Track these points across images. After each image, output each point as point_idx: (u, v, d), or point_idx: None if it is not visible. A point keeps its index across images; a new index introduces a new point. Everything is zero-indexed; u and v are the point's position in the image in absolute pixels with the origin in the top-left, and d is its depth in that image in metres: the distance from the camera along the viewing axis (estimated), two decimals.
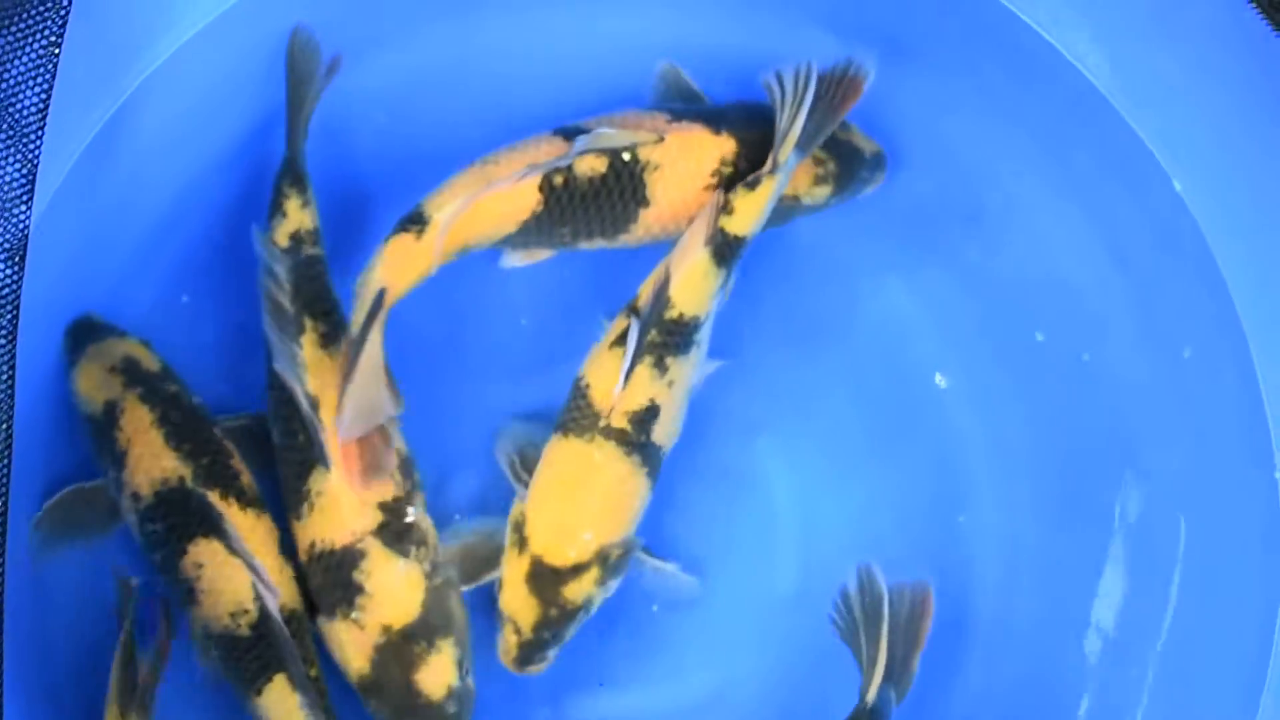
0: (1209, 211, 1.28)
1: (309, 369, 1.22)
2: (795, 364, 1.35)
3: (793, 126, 1.20)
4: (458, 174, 1.22)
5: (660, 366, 1.21)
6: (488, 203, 1.21)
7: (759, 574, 1.33)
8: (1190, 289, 1.30)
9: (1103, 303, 1.34)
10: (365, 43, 1.31)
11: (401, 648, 1.20)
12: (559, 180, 1.22)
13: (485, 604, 1.27)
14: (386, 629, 1.21)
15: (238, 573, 1.20)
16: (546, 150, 1.22)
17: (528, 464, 1.25)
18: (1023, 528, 1.34)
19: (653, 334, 1.21)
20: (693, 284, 1.21)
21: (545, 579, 1.22)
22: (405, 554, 1.22)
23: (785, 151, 1.21)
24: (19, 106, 1.12)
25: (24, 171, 1.13)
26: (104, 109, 1.23)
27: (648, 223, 1.25)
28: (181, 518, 1.21)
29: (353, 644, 1.21)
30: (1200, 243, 1.28)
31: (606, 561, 1.22)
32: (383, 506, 1.22)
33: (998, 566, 1.34)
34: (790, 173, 1.22)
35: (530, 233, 1.24)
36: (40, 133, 1.14)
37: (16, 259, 1.14)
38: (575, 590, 1.22)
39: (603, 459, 1.22)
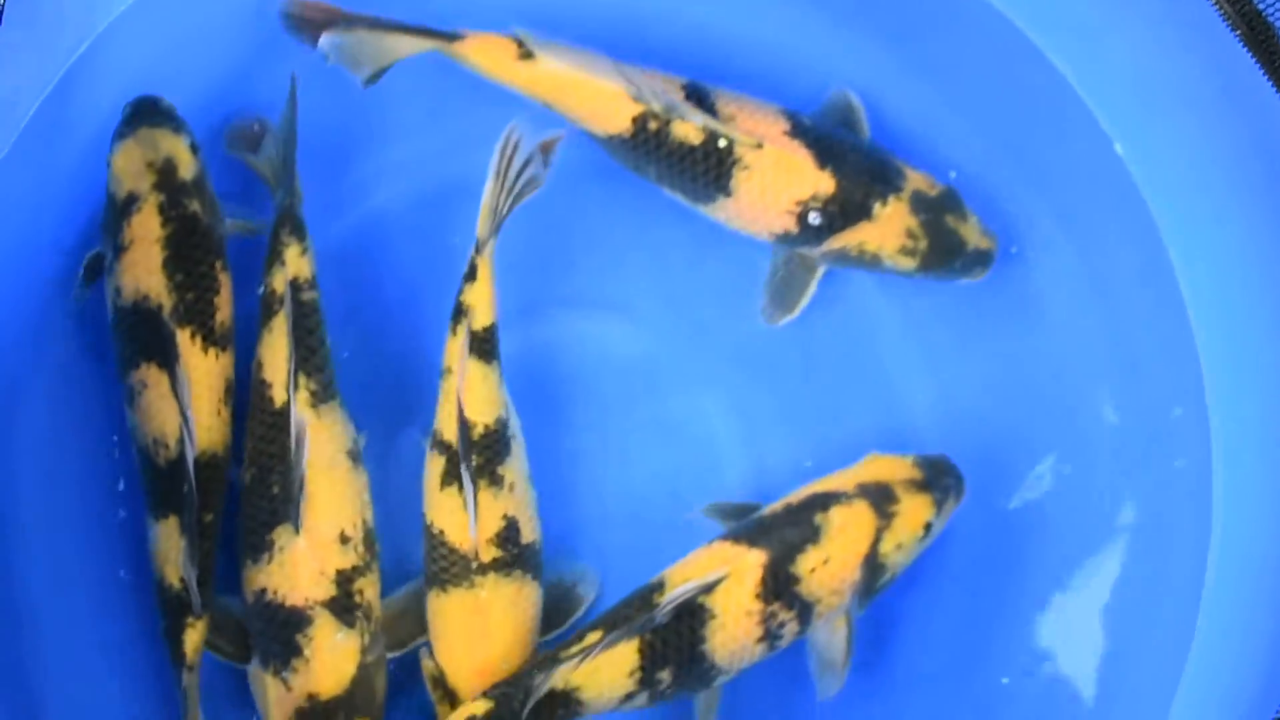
0: (1148, 173, 1.31)
1: (309, 443, 1.23)
2: (740, 319, 1.37)
3: (495, 203, 1.23)
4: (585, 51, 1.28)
5: (496, 482, 1.23)
6: (584, 91, 1.26)
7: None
8: (1129, 246, 1.33)
9: (1048, 260, 1.37)
10: None
11: (321, 717, 1.22)
12: (653, 125, 1.26)
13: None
14: (312, 696, 1.22)
15: (171, 411, 1.22)
16: (664, 87, 1.26)
17: None
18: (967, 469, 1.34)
19: (474, 459, 1.22)
20: (478, 394, 1.23)
21: None
22: (350, 625, 1.23)
23: (484, 229, 1.23)
24: None
25: None
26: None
27: (728, 210, 1.29)
28: (144, 337, 1.24)
29: (276, 701, 1.23)
30: (1139, 202, 1.31)
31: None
32: (339, 575, 1.23)
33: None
34: (492, 249, 1.24)
35: (616, 151, 1.29)
36: None
37: None
38: None
39: (490, 595, 1.22)
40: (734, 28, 1.36)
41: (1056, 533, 1.34)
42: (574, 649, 1.17)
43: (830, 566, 1.20)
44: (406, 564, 1.30)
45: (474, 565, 1.22)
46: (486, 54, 1.26)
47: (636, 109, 1.26)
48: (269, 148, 1.30)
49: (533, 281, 1.35)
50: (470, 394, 1.22)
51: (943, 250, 1.29)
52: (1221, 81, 1.25)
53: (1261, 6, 1.05)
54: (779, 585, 1.19)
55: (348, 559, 1.23)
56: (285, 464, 1.22)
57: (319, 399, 1.25)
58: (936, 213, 1.29)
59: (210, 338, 1.24)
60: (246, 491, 1.25)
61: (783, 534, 1.20)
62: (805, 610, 1.20)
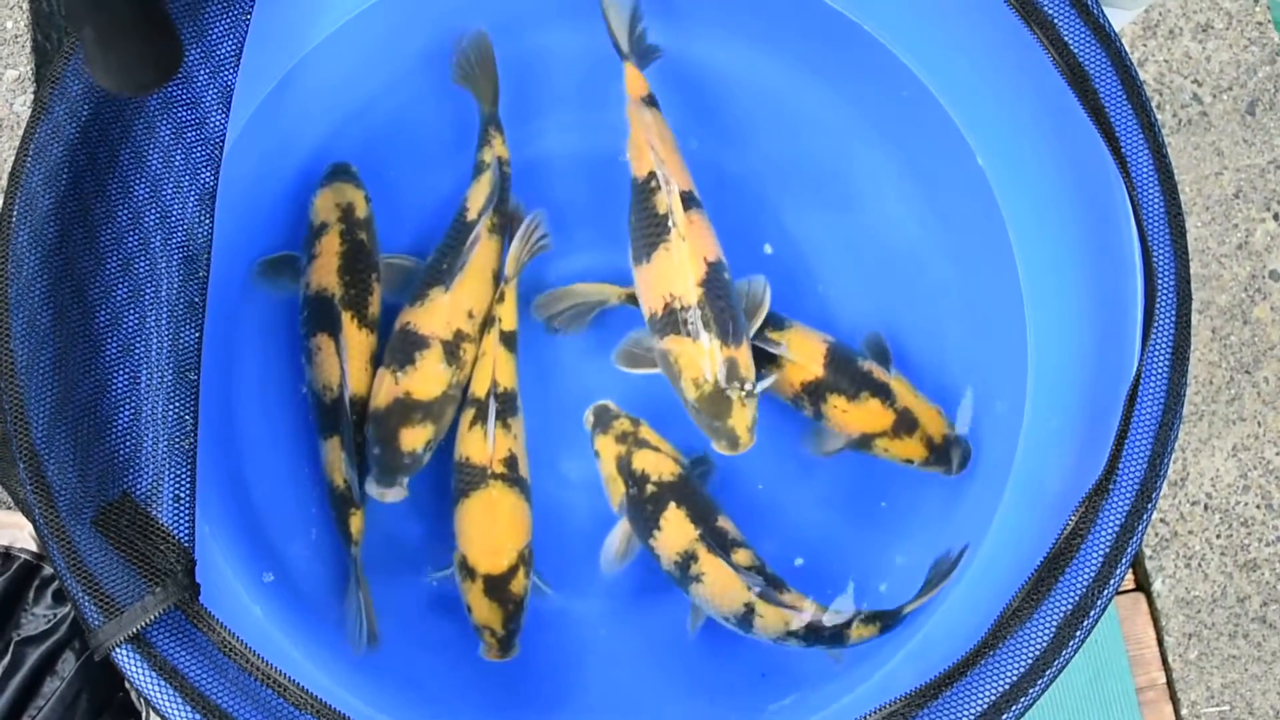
0: (1003, 181, 1.71)
1: (478, 247, 1.70)
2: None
3: (520, 256, 1.72)
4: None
5: (506, 427, 1.68)
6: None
7: None
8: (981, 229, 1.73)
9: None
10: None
11: (409, 409, 1.67)
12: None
13: None
14: (409, 393, 1.67)
15: (335, 366, 1.69)
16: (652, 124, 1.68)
17: None
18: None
19: (496, 406, 1.66)
20: (503, 370, 1.69)
21: (496, 588, 1.63)
22: (449, 364, 1.67)
23: (512, 271, 1.71)
24: (220, 53, 1.55)
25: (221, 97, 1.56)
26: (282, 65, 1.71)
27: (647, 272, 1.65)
28: (321, 316, 1.71)
29: (384, 389, 1.67)
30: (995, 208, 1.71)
31: (525, 558, 1.66)
32: (458, 332, 1.69)
33: None
34: (516, 282, 1.72)
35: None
36: (235, 71, 1.56)
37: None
38: (517, 585, 1.64)
39: (498, 494, 1.65)
40: None
41: None
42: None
43: (846, 415, 1.70)
44: None
45: (488, 474, 1.66)
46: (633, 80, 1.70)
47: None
48: (474, 68, 1.75)
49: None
50: (501, 367, 1.70)
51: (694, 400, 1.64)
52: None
53: None
54: (814, 397, 1.70)
55: (468, 326, 1.69)
56: (457, 254, 1.72)
57: (495, 230, 1.71)
58: (725, 386, 1.61)
59: (364, 321, 1.71)
60: (428, 266, 1.70)
61: (839, 381, 1.69)
62: (819, 413, 1.70)
